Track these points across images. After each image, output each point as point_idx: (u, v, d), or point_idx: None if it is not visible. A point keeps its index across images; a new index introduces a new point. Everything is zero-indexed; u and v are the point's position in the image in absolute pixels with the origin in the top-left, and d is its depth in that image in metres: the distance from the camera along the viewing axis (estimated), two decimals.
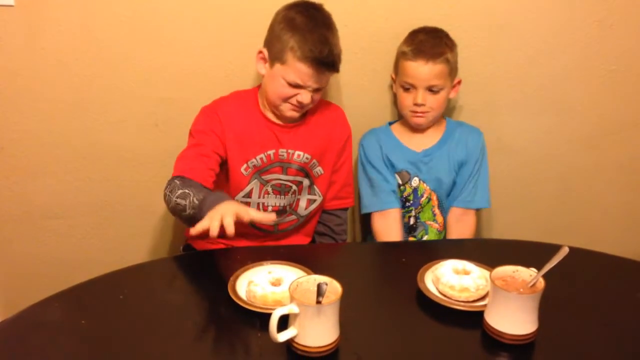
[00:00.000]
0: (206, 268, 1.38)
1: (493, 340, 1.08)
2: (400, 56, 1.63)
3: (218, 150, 1.50)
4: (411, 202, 1.73)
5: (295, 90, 1.47)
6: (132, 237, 1.87)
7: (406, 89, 1.63)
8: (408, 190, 1.72)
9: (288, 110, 1.51)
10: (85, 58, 1.63)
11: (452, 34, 1.70)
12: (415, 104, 1.61)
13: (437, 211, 1.75)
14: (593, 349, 1.10)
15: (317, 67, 1.43)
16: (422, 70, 1.58)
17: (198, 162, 1.45)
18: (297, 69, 1.44)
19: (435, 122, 1.70)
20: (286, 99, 1.49)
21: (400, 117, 1.76)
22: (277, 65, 1.46)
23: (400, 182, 1.71)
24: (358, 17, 1.68)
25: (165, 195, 1.39)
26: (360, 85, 1.77)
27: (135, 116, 1.72)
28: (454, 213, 1.73)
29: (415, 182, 1.71)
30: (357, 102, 1.77)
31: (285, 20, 1.46)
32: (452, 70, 1.63)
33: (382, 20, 1.70)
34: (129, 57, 1.65)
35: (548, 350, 1.09)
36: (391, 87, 1.74)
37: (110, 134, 1.73)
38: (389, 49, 1.69)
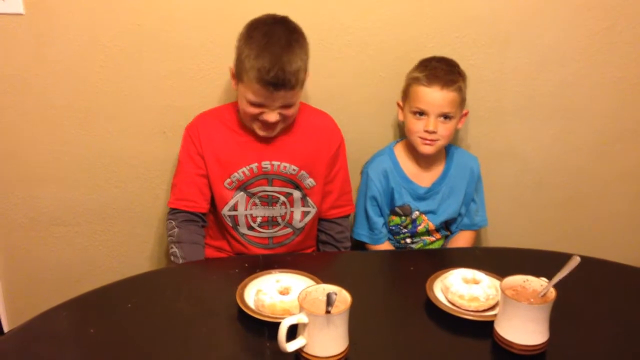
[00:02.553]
0: (213, 277, 1.38)
1: (503, 351, 1.07)
2: (413, 82, 1.61)
3: (201, 172, 1.55)
4: (408, 230, 1.73)
5: (258, 109, 1.44)
6: (139, 244, 1.87)
7: (417, 115, 1.60)
8: (408, 221, 1.72)
9: (258, 130, 1.49)
10: (94, 66, 1.64)
11: (457, 43, 1.71)
12: (427, 131, 1.59)
13: (434, 233, 1.75)
14: None
15: (269, 88, 1.40)
16: (436, 96, 1.56)
17: (189, 187, 1.56)
18: (253, 89, 1.41)
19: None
20: (254, 118, 1.46)
21: (402, 137, 1.75)
22: (240, 84, 1.45)
23: (401, 213, 1.70)
24: (362, 38, 1.69)
25: (167, 227, 1.58)
26: (365, 109, 1.77)
27: (143, 124, 1.72)
28: (456, 235, 1.77)
29: (415, 214, 1.70)
30: (361, 125, 1.78)
31: (244, 38, 1.44)
32: (463, 100, 1.62)
33: (387, 41, 1.70)
34: (136, 65, 1.65)
35: None
36: (397, 113, 1.71)
37: (118, 141, 1.73)
38: (394, 72, 1.69)
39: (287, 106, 1.45)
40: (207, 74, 1.68)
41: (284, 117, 1.47)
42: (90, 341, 1.10)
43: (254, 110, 1.45)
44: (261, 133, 1.50)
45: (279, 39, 1.41)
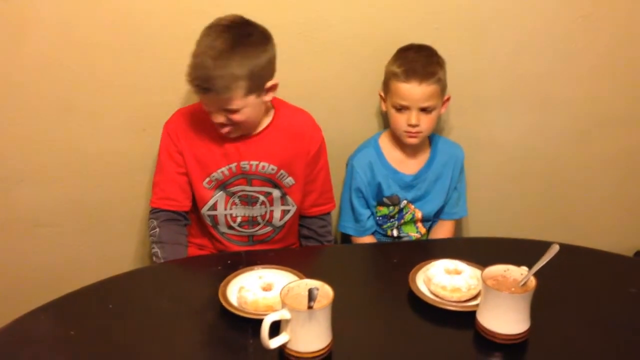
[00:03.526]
0: (196, 274, 1.37)
1: (485, 340, 1.08)
2: (392, 77, 1.60)
3: (182, 170, 1.54)
4: (395, 218, 1.73)
5: (208, 110, 1.45)
6: (122, 243, 1.85)
7: (399, 110, 1.60)
8: (395, 211, 1.72)
9: (218, 128, 1.48)
10: (71, 64, 1.61)
11: (437, 33, 1.70)
12: (410, 125, 1.59)
13: (419, 225, 1.75)
14: (586, 346, 1.11)
15: (197, 90, 1.40)
16: (416, 91, 1.56)
17: (170, 186, 1.55)
18: (193, 90, 1.43)
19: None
20: (210, 117, 1.45)
21: (386, 127, 1.75)
22: None
23: (389, 203, 1.71)
24: (342, 31, 1.68)
25: (149, 226, 1.57)
26: (347, 102, 1.77)
27: (123, 121, 1.70)
28: (437, 224, 1.78)
29: (403, 203, 1.70)
30: (344, 118, 1.77)
31: (199, 38, 1.42)
32: (443, 89, 1.62)
33: (367, 34, 1.69)
34: (114, 62, 1.63)
35: (541, 348, 1.09)
36: (379, 104, 1.71)
37: (98, 139, 1.71)
38: (375, 64, 1.68)
39: (230, 111, 1.42)
40: (186, 69, 1.66)
41: (233, 122, 1.44)
42: (70, 344, 1.09)
43: (207, 111, 1.44)
44: (219, 131, 1.48)
45: (221, 43, 1.38)
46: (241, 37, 1.40)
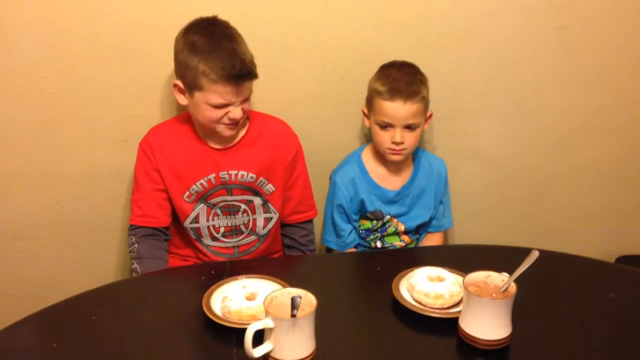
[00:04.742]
0: (180, 285, 1.37)
1: (468, 346, 1.09)
2: (375, 95, 1.60)
3: (159, 187, 1.55)
4: (378, 231, 1.74)
5: (223, 110, 1.44)
6: (104, 255, 1.84)
7: (383, 127, 1.61)
8: (378, 225, 1.73)
9: (225, 131, 1.49)
10: (50, 76, 1.61)
11: (420, 44, 1.72)
12: (394, 142, 1.60)
13: (403, 236, 1.76)
14: (567, 351, 1.12)
15: (234, 83, 1.40)
16: (400, 110, 1.56)
17: (148, 203, 1.55)
18: (216, 91, 1.40)
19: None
20: (218, 120, 1.46)
21: (369, 140, 1.76)
22: (197, 93, 1.43)
23: (372, 218, 1.71)
24: (326, 42, 1.69)
25: (128, 243, 1.58)
26: (330, 112, 1.78)
27: (105, 133, 1.69)
28: (425, 237, 1.80)
29: (386, 218, 1.71)
30: (326, 129, 1.79)
31: (186, 47, 1.42)
32: (427, 106, 1.63)
33: (349, 45, 1.71)
34: (95, 74, 1.63)
35: (522, 354, 1.10)
36: (362, 119, 1.72)
37: (80, 151, 1.70)
38: (357, 74, 1.70)
39: (247, 99, 1.46)
40: (168, 80, 1.66)
41: (244, 112, 1.47)
42: (53, 356, 1.08)
43: (219, 113, 1.44)
44: (226, 133, 1.49)
45: (222, 35, 1.42)
46: (227, 27, 1.46)
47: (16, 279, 1.81)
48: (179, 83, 1.46)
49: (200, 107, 1.44)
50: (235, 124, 1.47)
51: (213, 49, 1.39)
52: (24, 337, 1.13)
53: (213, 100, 1.42)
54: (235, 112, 1.44)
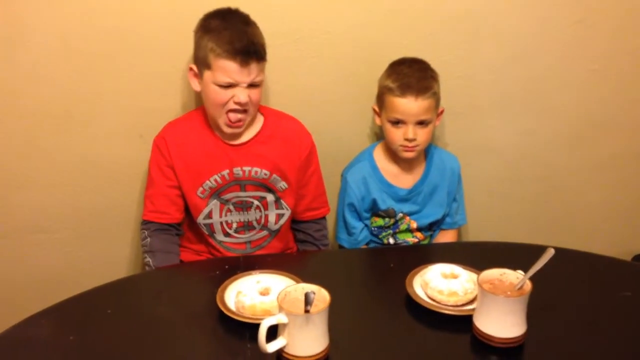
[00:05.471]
0: (194, 279, 1.38)
1: (483, 344, 1.09)
2: (386, 91, 1.59)
3: (172, 183, 1.55)
4: (391, 228, 1.74)
5: (229, 92, 1.43)
6: (119, 249, 1.85)
7: (395, 124, 1.60)
8: (391, 222, 1.72)
9: (226, 126, 1.48)
10: (67, 70, 1.62)
11: (433, 39, 1.71)
12: (407, 139, 1.59)
13: (416, 233, 1.76)
14: (581, 350, 1.11)
15: (240, 59, 1.40)
16: (412, 106, 1.56)
17: (161, 200, 1.56)
18: (222, 68, 1.41)
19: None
20: (224, 105, 1.44)
21: (380, 138, 1.75)
22: (206, 73, 1.44)
23: (385, 215, 1.71)
24: (338, 37, 1.69)
25: (140, 237, 1.59)
26: (342, 109, 1.78)
27: (120, 127, 1.71)
28: (439, 234, 1.79)
29: (399, 216, 1.71)
30: (339, 126, 1.79)
31: (201, 29, 1.46)
32: (438, 102, 1.62)
33: (361, 40, 1.70)
34: (111, 68, 1.64)
35: (537, 352, 1.10)
36: (373, 117, 1.71)
37: (95, 145, 1.71)
38: (369, 69, 1.69)
39: (254, 85, 1.45)
40: (184, 74, 1.67)
41: (251, 102, 1.46)
42: (70, 348, 1.09)
43: (225, 95, 1.43)
44: (228, 130, 1.49)
45: (238, 19, 1.45)
46: (246, 16, 1.48)
47: (33, 271, 1.83)
48: (194, 67, 1.49)
49: (208, 88, 1.45)
50: (238, 116, 1.46)
51: (224, 28, 1.42)
52: (41, 330, 1.14)
53: (219, 78, 1.42)
54: (241, 94, 1.43)
